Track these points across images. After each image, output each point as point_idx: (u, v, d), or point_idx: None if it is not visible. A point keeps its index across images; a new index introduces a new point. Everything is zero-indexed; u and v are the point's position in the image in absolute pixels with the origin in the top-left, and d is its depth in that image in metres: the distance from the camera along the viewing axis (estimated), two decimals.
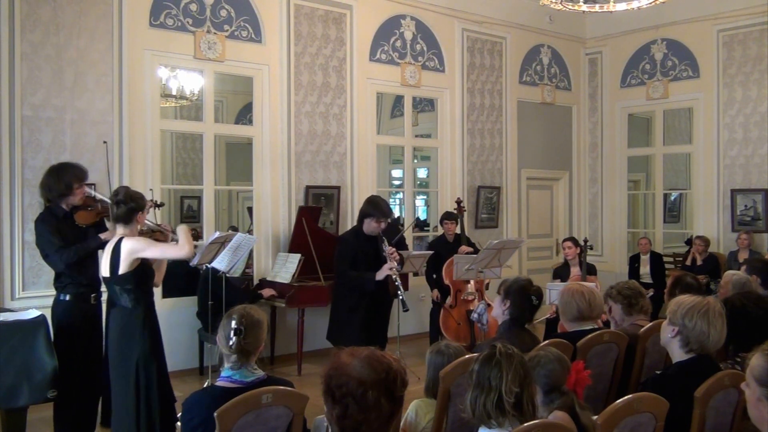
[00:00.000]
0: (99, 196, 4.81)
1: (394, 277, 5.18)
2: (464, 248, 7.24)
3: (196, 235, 6.81)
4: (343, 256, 5.37)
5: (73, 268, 4.50)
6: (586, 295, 3.68)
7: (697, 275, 5.23)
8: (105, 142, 6.12)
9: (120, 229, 4.02)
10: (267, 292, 6.94)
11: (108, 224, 4.59)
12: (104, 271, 4.00)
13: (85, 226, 4.59)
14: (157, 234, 4.51)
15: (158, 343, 4.16)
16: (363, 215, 5.42)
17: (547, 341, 3.47)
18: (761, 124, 8.98)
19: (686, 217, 11.70)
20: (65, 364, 4.25)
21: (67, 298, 4.52)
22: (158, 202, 4.95)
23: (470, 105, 9.26)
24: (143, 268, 4.02)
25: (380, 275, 5.20)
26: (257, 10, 7.32)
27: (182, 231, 4.08)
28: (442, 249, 7.37)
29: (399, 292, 5.21)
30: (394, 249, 5.37)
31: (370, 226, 5.34)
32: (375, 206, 5.38)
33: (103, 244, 4.42)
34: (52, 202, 4.57)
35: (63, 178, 4.54)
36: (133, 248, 3.90)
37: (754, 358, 1.88)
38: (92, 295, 4.62)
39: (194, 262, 5.66)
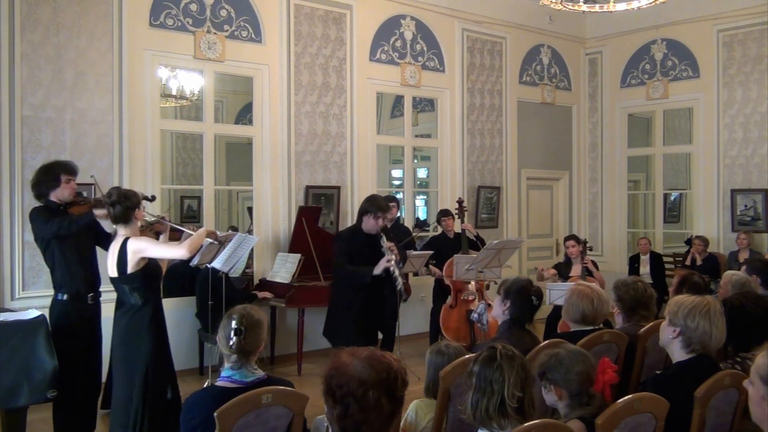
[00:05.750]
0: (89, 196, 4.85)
1: (391, 269, 5.18)
2: (468, 226, 7.39)
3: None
4: (340, 251, 5.37)
5: (68, 264, 4.50)
6: (594, 300, 3.66)
7: None
8: (92, 176, 5.51)
9: (122, 230, 4.06)
10: (262, 294, 6.92)
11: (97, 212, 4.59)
12: (111, 271, 4.05)
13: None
14: (156, 226, 4.53)
15: (164, 343, 4.19)
16: (361, 212, 5.44)
17: (548, 341, 3.47)
18: (761, 124, 8.98)
19: (686, 217, 11.70)
20: (64, 365, 4.24)
21: (65, 297, 4.52)
22: (150, 196, 4.87)
23: (470, 105, 9.26)
24: (150, 266, 4.08)
25: (378, 269, 5.19)
26: (257, 10, 7.32)
27: (197, 234, 4.21)
28: (443, 246, 7.40)
29: (397, 283, 5.24)
30: (392, 243, 5.36)
31: (369, 224, 5.35)
32: (372, 202, 5.40)
33: (91, 219, 4.47)
34: (44, 197, 4.58)
35: (52, 170, 4.60)
36: (137, 248, 3.97)
37: (759, 357, 1.88)
38: (89, 294, 4.61)
39: (194, 262, 5.66)
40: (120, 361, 4.07)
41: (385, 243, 5.28)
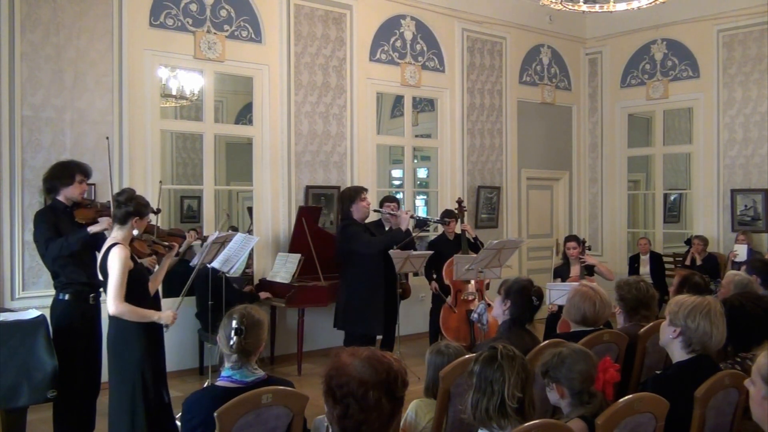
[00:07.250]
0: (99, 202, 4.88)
1: (414, 215, 5.40)
2: (467, 227, 7.40)
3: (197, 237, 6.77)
4: (358, 232, 5.59)
5: (69, 266, 4.51)
6: (597, 303, 3.66)
7: None
8: (107, 138, 5.88)
9: (115, 231, 4.01)
10: (264, 295, 6.92)
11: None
12: (99, 274, 4.00)
13: (84, 222, 4.60)
14: (156, 247, 4.47)
15: (155, 345, 4.15)
16: (347, 208, 5.63)
17: (547, 341, 3.47)
18: (761, 124, 8.98)
19: (686, 217, 11.69)
20: (64, 365, 4.24)
21: (66, 297, 4.52)
22: (155, 209, 4.87)
23: (470, 105, 9.26)
24: (133, 272, 3.96)
25: (403, 224, 5.35)
26: (257, 10, 7.32)
27: (143, 314, 3.92)
28: (443, 247, 7.37)
29: (428, 218, 5.78)
30: (393, 205, 5.64)
31: (361, 208, 5.49)
32: (347, 193, 5.71)
33: (88, 236, 4.47)
34: (54, 192, 4.62)
35: (69, 167, 4.67)
36: (112, 263, 3.84)
37: (760, 357, 1.88)
38: (91, 295, 4.62)
39: (194, 263, 5.66)
40: (113, 364, 4.02)
41: (389, 206, 5.51)
